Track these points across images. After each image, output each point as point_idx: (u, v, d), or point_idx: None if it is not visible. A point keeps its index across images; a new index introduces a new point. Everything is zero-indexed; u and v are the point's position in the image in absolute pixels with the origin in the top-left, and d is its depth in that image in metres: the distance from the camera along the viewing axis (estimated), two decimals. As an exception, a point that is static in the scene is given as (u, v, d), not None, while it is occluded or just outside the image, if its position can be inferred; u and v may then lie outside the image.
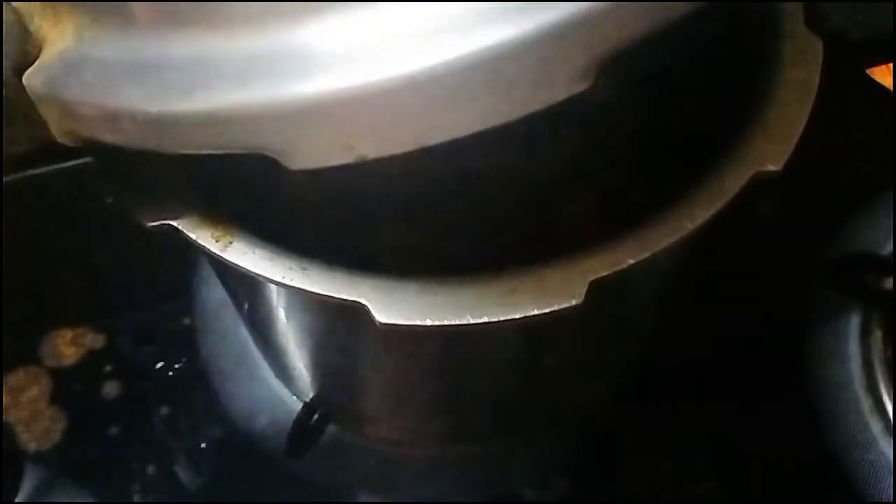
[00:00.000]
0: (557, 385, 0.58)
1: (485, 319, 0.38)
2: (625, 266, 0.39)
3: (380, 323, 0.38)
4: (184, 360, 0.75)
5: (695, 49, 0.46)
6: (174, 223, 0.41)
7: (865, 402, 0.71)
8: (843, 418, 0.71)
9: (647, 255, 0.39)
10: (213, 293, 0.75)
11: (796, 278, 0.74)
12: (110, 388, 0.73)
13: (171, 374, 0.74)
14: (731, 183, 0.41)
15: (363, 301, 0.38)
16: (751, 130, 0.43)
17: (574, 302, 0.38)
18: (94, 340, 0.75)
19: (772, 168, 0.42)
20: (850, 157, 0.78)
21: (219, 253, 0.40)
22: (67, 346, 0.75)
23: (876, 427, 0.70)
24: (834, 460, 0.69)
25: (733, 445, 0.71)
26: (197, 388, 0.73)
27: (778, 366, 0.72)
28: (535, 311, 0.38)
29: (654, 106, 0.55)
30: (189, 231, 0.41)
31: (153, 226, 0.41)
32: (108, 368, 0.74)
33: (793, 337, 0.73)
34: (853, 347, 0.71)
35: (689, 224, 0.40)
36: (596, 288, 0.39)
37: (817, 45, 0.45)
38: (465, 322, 0.38)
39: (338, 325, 0.47)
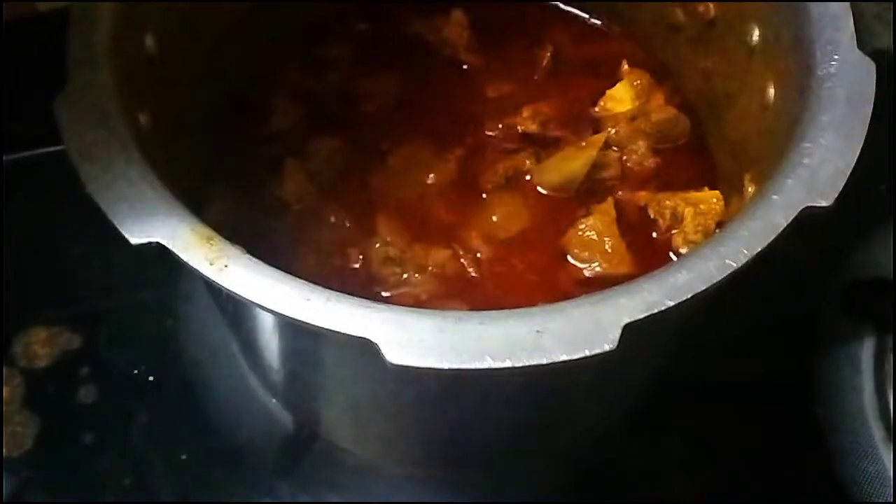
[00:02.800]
0: (567, 420, 0.55)
1: (508, 364, 0.34)
2: (663, 308, 0.35)
3: (391, 364, 0.34)
4: (165, 365, 0.71)
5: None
6: (163, 241, 0.37)
7: (877, 433, 0.68)
8: (855, 448, 0.68)
9: (688, 296, 0.36)
10: (199, 294, 0.71)
11: (809, 302, 0.71)
12: (86, 393, 0.69)
13: (150, 378, 0.70)
14: (779, 218, 0.38)
15: (373, 339, 0.34)
16: (799, 160, 0.39)
17: (607, 348, 0.34)
18: (69, 340, 0.71)
19: (822, 203, 0.38)
20: (869, 180, 0.75)
21: (213, 278, 0.36)
22: (41, 346, 0.71)
23: (887, 458, 0.68)
24: (844, 488, 0.66)
25: (742, 468, 0.68)
26: (178, 395, 0.69)
27: (789, 392, 0.69)
28: (564, 358, 0.34)
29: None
30: (180, 251, 0.37)
31: (139, 244, 0.37)
32: (85, 371, 0.69)
33: (805, 362, 0.70)
34: (866, 375, 0.69)
35: (733, 263, 0.36)
36: (630, 332, 0.35)
37: (871, 70, 0.42)
38: (485, 367, 0.34)
39: (342, 357, 0.44)
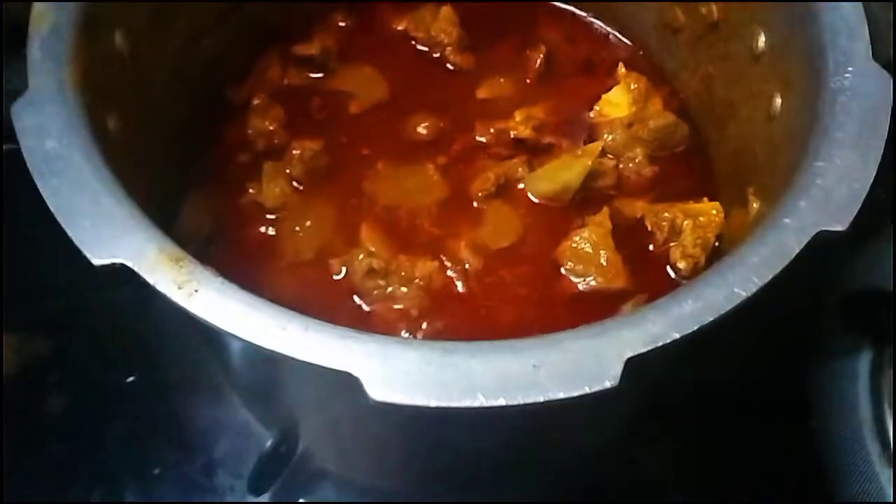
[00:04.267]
0: (559, 444, 0.52)
1: (501, 403, 0.32)
2: (668, 341, 0.33)
3: (373, 400, 0.32)
4: (138, 373, 0.68)
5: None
6: (128, 262, 0.34)
7: (873, 449, 0.67)
8: (851, 465, 0.67)
9: (694, 328, 0.33)
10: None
11: (805, 314, 0.69)
12: (56, 402, 0.66)
13: (123, 388, 0.68)
14: (792, 243, 0.35)
15: (354, 373, 0.32)
16: (812, 180, 0.37)
17: (608, 384, 0.32)
18: (40, 347, 0.68)
19: (837, 228, 0.36)
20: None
21: (181, 304, 0.33)
22: (10, 353, 0.68)
23: (883, 475, 0.66)
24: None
25: (737, 483, 0.66)
26: (152, 405, 0.66)
27: (783, 406, 0.68)
28: (562, 395, 0.32)
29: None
30: (146, 273, 0.34)
31: (102, 265, 0.34)
32: (55, 379, 0.67)
33: (800, 375, 0.68)
34: (862, 388, 0.67)
35: (742, 292, 0.34)
36: (632, 366, 0.32)
37: (887, 83, 0.39)
38: (476, 405, 0.31)
39: (321, 385, 0.41)
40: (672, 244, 0.54)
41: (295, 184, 0.56)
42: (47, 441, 0.64)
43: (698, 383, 0.62)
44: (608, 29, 0.65)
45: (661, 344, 0.33)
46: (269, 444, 0.59)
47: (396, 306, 0.52)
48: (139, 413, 0.66)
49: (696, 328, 0.33)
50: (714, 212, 0.54)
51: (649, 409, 0.58)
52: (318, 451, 0.57)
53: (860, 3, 0.42)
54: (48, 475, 0.62)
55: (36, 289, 0.69)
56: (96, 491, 0.62)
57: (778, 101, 0.47)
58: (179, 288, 0.33)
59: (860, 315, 0.68)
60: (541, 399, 0.31)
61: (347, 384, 0.32)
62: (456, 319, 0.52)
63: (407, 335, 0.51)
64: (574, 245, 0.54)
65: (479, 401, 0.31)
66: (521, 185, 0.57)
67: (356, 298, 0.52)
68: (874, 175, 0.37)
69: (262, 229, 0.55)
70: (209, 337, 0.49)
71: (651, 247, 0.55)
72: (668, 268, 0.54)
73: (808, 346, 0.68)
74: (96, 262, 0.34)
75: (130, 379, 0.67)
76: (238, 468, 0.63)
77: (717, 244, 0.54)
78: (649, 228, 0.55)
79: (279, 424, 0.57)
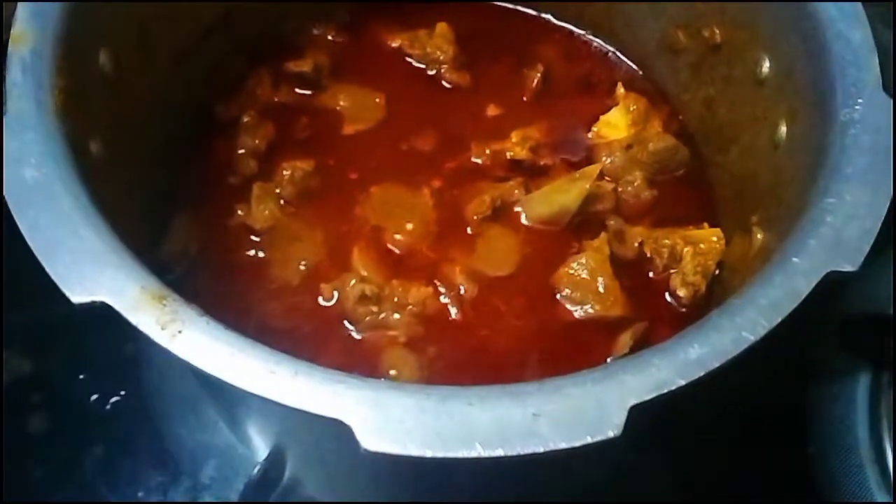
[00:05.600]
0: (555, 479, 0.51)
1: (500, 454, 0.30)
2: (673, 388, 0.31)
3: (365, 450, 0.30)
4: (123, 392, 0.66)
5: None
6: (108, 301, 0.32)
7: (871, 473, 0.66)
8: (849, 491, 0.66)
9: (700, 374, 0.32)
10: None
11: (802, 337, 0.68)
12: (37, 422, 0.65)
13: (108, 408, 0.66)
14: (801, 284, 0.34)
15: (346, 421, 0.30)
16: (822, 217, 0.36)
17: (611, 434, 0.31)
18: (20, 365, 0.67)
19: (848, 268, 0.34)
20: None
21: (165, 346, 0.32)
22: (-11, 371, 0.66)
23: (882, 500, 0.65)
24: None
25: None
26: (136, 425, 0.65)
27: (780, 431, 0.67)
28: (563, 446, 0.30)
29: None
30: (127, 312, 0.32)
31: (81, 303, 0.32)
32: (36, 398, 0.65)
33: (797, 399, 0.67)
34: (860, 413, 0.66)
35: (750, 336, 0.33)
36: (636, 413, 0.31)
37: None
38: (473, 456, 0.30)
39: (310, 431, 0.39)
40: (672, 271, 0.53)
41: (284, 205, 0.55)
42: (30, 462, 0.62)
43: (696, 412, 0.61)
44: (607, 48, 0.64)
45: (665, 391, 0.31)
46: (255, 470, 0.57)
47: (389, 334, 0.51)
48: (123, 434, 0.65)
49: (701, 374, 0.32)
50: (715, 238, 0.52)
51: (646, 440, 0.57)
52: (305, 479, 0.56)
53: (869, 33, 0.41)
54: (31, 497, 0.61)
55: (16, 304, 0.67)
56: (79, 514, 0.61)
57: (783, 128, 0.46)
58: (163, 328, 0.32)
59: (858, 339, 0.67)
60: (541, 450, 0.30)
61: (338, 432, 0.31)
62: (450, 347, 0.51)
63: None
64: (571, 271, 0.52)
65: (477, 451, 0.30)
66: (517, 209, 0.56)
67: (347, 325, 0.51)
68: (885, 213, 0.35)
69: (251, 252, 0.54)
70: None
71: (650, 273, 0.54)
72: (668, 295, 0.53)
73: (806, 370, 0.67)
74: (75, 300, 0.33)
75: (115, 399, 0.66)
76: (224, 493, 0.62)
77: (717, 272, 0.52)
78: (648, 255, 0.54)
79: (267, 451, 0.56)
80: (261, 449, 0.57)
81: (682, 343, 0.33)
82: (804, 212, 0.37)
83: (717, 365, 0.32)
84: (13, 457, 0.63)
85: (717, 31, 0.53)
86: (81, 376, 0.66)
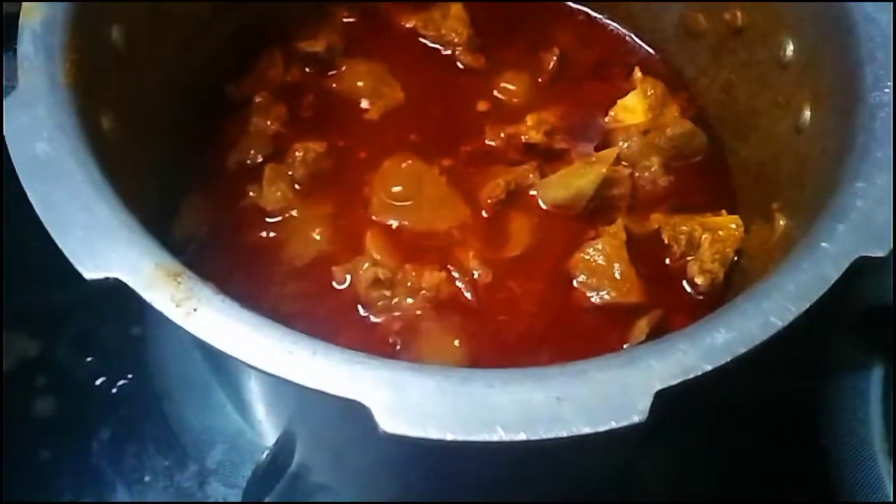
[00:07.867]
0: (569, 469, 0.50)
1: (522, 437, 0.29)
2: (699, 373, 0.31)
3: (384, 432, 0.30)
4: (130, 376, 0.66)
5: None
6: (122, 277, 0.32)
7: (884, 465, 0.66)
8: (861, 484, 0.66)
9: (727, 359, 0.31)
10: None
11: (816, 330, 0.67)
12: (44, 405, 0.64)
13: (114, 391, 0.65)
14: (830, 269, 0.33)
15: (364, 402, 0.30)
16: (852, 202, 0.35)
17: (636, 419, 0.30)
18: (27, 347, 0.66)
19: (878, 254, 0.34)
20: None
21: (180, 323, 0.31)
22: (-5, 352, 0.66)
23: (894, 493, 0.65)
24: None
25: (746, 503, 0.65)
26: (143, 409, 0.64)
27: (794, 423, 0.66)
28: (587, 430, 0.30)
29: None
30: (142, 290, 0.32)
31: (94, 279, 0.32)
32: (42, 381, 0.65)
33: (810, 392, 0.67)
34: (874, 406, 0.66)
35: (778, 321, 0.32)
36: (661, 398, 0.30)
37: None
38: (495, 440, 0.29)
39: (326, 412, 0.39)
40: (690, 258, 0.52)
41: (297, 187, 0.54)
42: (36, 444, 0.62)
43: (711, 403, 0.60)
44: (624, 31, 0.63)
45: (691, 376, 0.31)
46: (265, 455, 0.57)
47: (402, 317, 0.50)
48: (130, 418, 0.64)
49: (728, 360, 0.31)
50: (733, 226, 0.52)
51: (659, 428, 0.56)
52: (315, 465, 0.55)
53: (898, 14, 0.40)
54: (36, 479, 0.60)
55: (22, 286, 0.66)
56: (85, 495, 0.60)
57: (807, 113, 0.45)
58: (177, 306, 0.31)
59: (872, 332, 0.67)
60: (564, 434, 0.29)
61: (356, 413, 0.30)
62: (464, 332, 0.50)
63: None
64: (587, 257, 0.52)
65: (499, 435, 0.29)
66: (532, 192, 0.55)
67: (361, 309, 0.50)
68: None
69: (262, 234, 0.53)
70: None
71: (667, 260, 0.53)
72: (685, 283, 0.52)
73: (819, 363, 0.67)
74: (88, 276, 0.32)
75: (121, 382, 0.65)
76: (232, 478, 0.61)
77: (736, 259, 0.52)
78: (666, 241, 0.53)
79: (276, 436, 0.55)
80: (270, 434, 0.57)
81: (708, 328, 0.32)
82: (831, 197, 0.36)
83: (744, 350, 0.31)
84: (19, 439, 0.62)
85: (739, 14, 0.52)
86: (88, 359, 0.65)
